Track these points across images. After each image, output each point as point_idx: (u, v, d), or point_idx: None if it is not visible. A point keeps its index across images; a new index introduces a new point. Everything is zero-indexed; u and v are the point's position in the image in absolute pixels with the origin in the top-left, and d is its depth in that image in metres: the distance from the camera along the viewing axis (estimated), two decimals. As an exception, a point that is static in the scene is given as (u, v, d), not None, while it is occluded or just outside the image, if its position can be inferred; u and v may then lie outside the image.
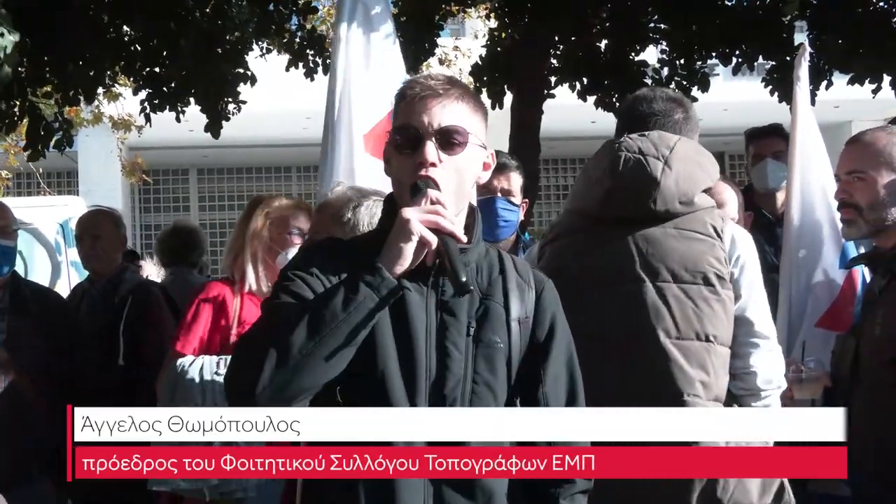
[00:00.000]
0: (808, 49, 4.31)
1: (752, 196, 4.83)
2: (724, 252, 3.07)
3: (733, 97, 14.58)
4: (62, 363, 4.37)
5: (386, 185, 2.51)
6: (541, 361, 2.45)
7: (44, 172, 16.24)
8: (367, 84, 4.32)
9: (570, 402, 2.49)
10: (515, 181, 4.28)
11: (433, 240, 2.21)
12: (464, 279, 2.19)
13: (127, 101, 11.69)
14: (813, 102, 7.06)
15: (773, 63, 7.72)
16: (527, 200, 4.42)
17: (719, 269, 3.05)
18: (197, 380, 3.87)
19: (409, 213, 2.21)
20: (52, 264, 10.81)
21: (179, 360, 3.91)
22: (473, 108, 2.40)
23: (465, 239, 2.29)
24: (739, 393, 3.10)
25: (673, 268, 3.05)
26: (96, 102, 12.00)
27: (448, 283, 2.30)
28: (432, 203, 2.23)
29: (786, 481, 3.11)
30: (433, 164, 2.29)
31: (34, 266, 10.49)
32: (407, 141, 2.32)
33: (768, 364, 3.09)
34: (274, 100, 14.11)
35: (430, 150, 2.30)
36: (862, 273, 4.02)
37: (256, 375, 2.12)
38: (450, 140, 2.32)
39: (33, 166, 12.89)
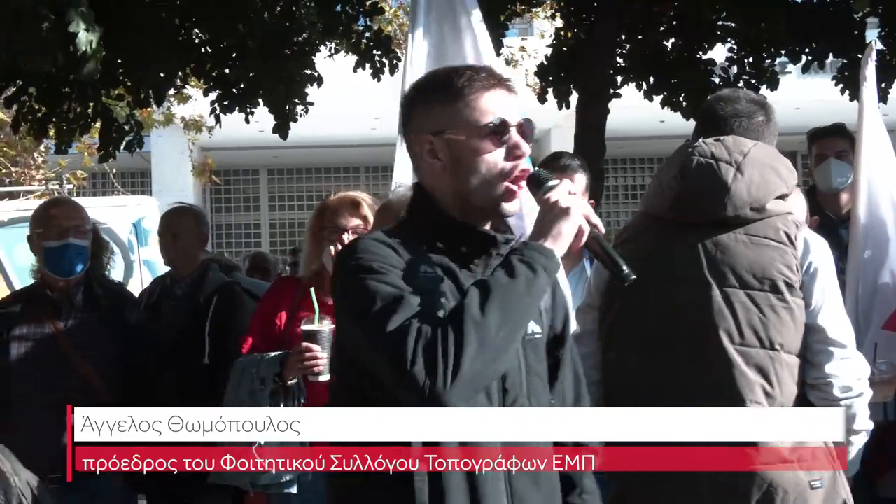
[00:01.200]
0: (875, 48, 4.24)
1: (815, 196, 4.79)
2: (797, 259, 3.03)
3: (806, 96, 14.37)
4: (133, 360, 4.44)
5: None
6: (558, 350, 2.52)
7: (118, 173, 16.56)
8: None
9: (578, 386, 2.59)
10: (580, 181, 4.24)
11: (587, 228, 2.24)
12: (626, 269, 2.25)
13: (197, 103, 11.86)
14: (885, 100, 6.98)
15: (844, 61, 7.60)
16: (593, 201, 4.38)
17: (789, 277, 3.01)
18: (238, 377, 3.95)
19: (566, 199, 2.23)
20: (125, 263, 11.02)
21: (238, 360, 4.00)
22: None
23: (603, 230, 2.32)
24: (819, 404, 3.03)
25: (741, 273, 3.03)
26: (167, 104, 12.21)
27: (487, 272, 2.30)
28: (570, 193, 2.26)
29: (849, 499, 3.05)
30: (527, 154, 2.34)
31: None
32: (495, 131, 2.31)
33: (845, 371, 3.01)
34: (343, 100, 14.23)
35: (523, 141, 2.34)
36: None
37: (458, 359, 2.07)
38: (527, 133, 2.36)
39: (107, 166, 13.16)
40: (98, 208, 11.50)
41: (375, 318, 2.15)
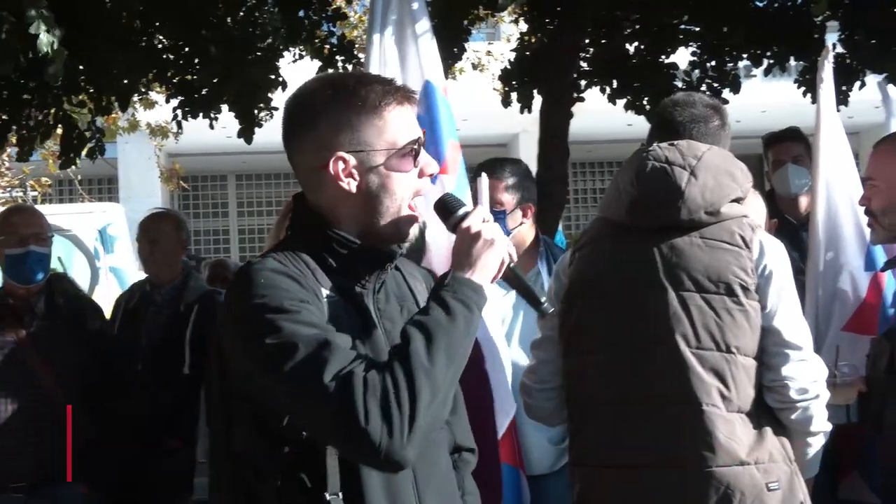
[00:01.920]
0: (831, 52, 4.27)
1: (774, 200, 4.82)
2: (752, 262, 3.04)
3: (772, 99, 14.47)
4: (96, 368, 4.42)
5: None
6: None
7: (84, 179, 16.44)
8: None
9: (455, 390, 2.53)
10: (499, 186, 4.16)
11: (507, 259, 2.20)
12: (544, 302, 2.25)
13: (163, 109, 11.80)
14: (846, 103, 7.03)
15: (806, 64, 7.65)
16: (530, 204, 4.33)
17: (744, 280, 3.02)
18: None
19: (489, 230, 2.16)
20: (90, 270, 10.97)
21: None
22: None
23: (516, 258, 2.28)
24: (776, 406, 3.05)
25: (696, 277, 3.03)
26: (132, 110, 12.14)
27: (383, 293, 2.27)
28: (485, 220, 2.20)
29: (806, 499, 3.06)
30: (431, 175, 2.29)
31: (73, 272, 10.62)
32: (414, 152, 2.26)
33: (801, 373, 3.02)
34: (310, 105, 14.16)
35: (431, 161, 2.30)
36: (889, 276, 3.99)
37: (414, 411, 1.95)
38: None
39: (72, 173, 13.07)
40: (63, 215, 11.47)
41: (304, 370, 1.98)
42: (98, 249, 11.12)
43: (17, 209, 5.23)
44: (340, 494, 2.12)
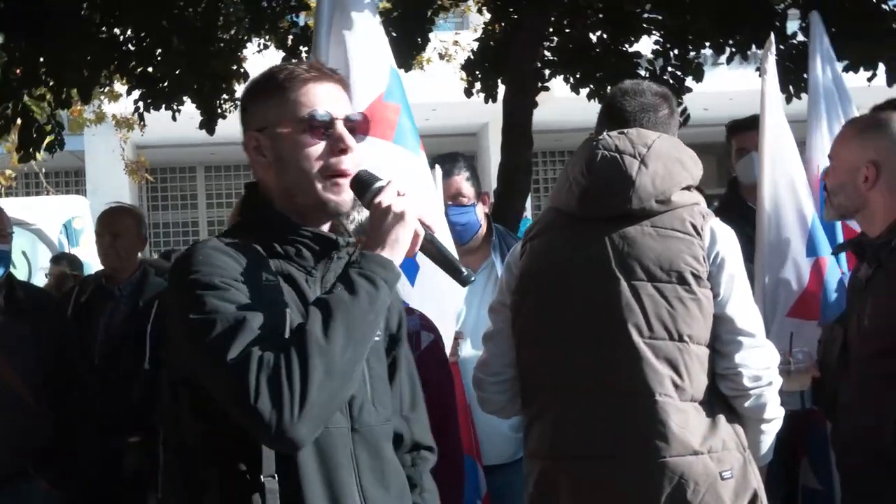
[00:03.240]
0: (773, 44, 4.31)
1: (737, 188, 4.84)
2: (703, 250, 3.04)
3: (738, 87, 14.51)
4: (57, 363, 4.40)
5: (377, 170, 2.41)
6: (397, 347, 2.51)
7: (50, 172, 16.32)
8: (355, 66, 4.22)
9: (414, 385, 2.57)
10: (462, 183, 4.23)
11: (421, 231, 2.20)
12: (464, 271, 2.22)
13: (128, 100, 11.72)
14: (805, 90, 7.06)
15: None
16: (487, 193, 4.37)
17: (695, 268, 3.02)
18: None
19: (401, 203, 2.17)
20: (55, 264, 10.86)
21: None
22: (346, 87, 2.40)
23: (437, 230, 2.29)
24: (730, 394, 3.05)
25: (648, 266, 3.03)
26: (98, 102, 12.04)
27: (330, 282, 2.24)
28: (399, 194, 2.20)
29: (760, 488, 3.07)
30: (352, 150, 2.28)
31: (38, 265, 10.57)
32: (316, 125, 2.26)
33: (754, 360, 3.03)
34: (278, 96, 14.11)
35: (349, 135, 2.28)
36: (830, 261, 4.03)
37: (305, 389, 1.98)
38: (357, 127, 2.32)
39: (36, 166, 12.95)
40: (28, 208, 11.39)
41: (215, 345, 2.03)
42: (63, 242, 11.06)
43: None
44: (276, 476, 2.13)
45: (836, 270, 4.06)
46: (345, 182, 2.27)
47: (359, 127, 2.32)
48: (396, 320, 2.51)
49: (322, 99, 2.28)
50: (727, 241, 3.09)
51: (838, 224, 4.16)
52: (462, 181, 4.24)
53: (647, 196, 3.06)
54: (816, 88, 4.59)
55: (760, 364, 3.04)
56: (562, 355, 3.12)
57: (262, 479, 2.12)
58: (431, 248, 2.24)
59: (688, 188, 3.15)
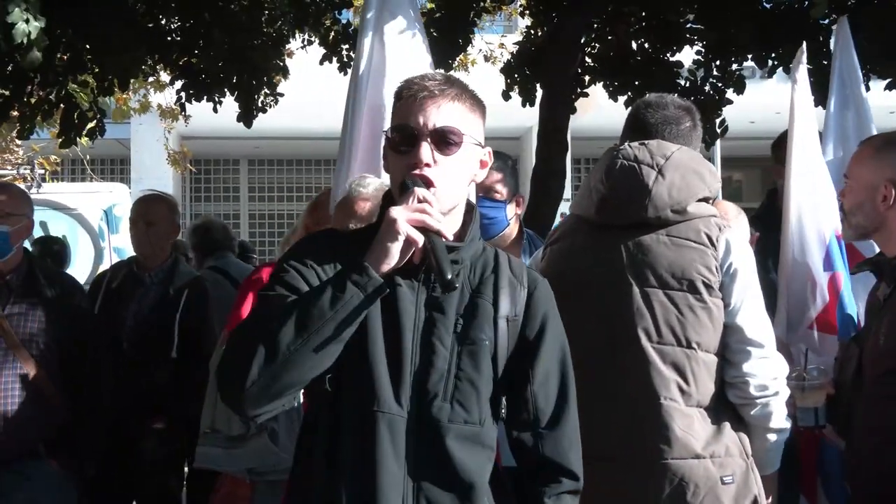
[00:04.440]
0: (805, 53, 4.26)
1: (775, 199, 4.83)
2: (717, 260, 3.09)
3: (786, 100, 14.38)
4: (73, 347, 4.45)
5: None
6: (530, 360, 2.47)
7: (95, 159, 16.49)
8: (394, 78, 4.26)
9: (560, 401, 2.51)
10: (495, 177, 4.26)
11: (419, 238, 2.26)
12: (449, 277, 2.24)
13: (173, 90, 11.84)
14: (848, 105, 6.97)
15: (810, 66, 7.59)
16: (522, 196, 4.41)
17: (707, 278, 3.07)
18: None
19: (395, 212, 2.26)
20: (94, 250, 11.02)
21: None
22: (471, 106, 2.45)
23: (450, 237, 2.34)
24: (736, 402, 3.11)
25: (661, 274, 3.09)
26: (143, 91, 12.16)
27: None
28: (419, 201, 2.28)
29: (760, 494, 3.11)
30: (427, 165, 2.35)
31: (77, 251, 10.69)
32: (403, 140, 2.39)
33: (762, 370, 3.08)
34: (324, 91, 14.20)
35: (426, 150, 2.37)
36: (846, 277, 4.00)
37: (245, 370, 2.21)
38: (445, 140, 2.38)
39: (81, 153, 13.11)
40: (69, 194, 11.55)
41: (245, 319, 2.40)
42: (103, 229, 11.17)
43: None
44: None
45: (849, 286, 4.04)
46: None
47: (448, 141, 2.42)
48: (535, 331, 2.50)
49: (412, 113, 2.42)
50: (742, 253, 3.15)
51: None
52: (497, 177, 4.28)
53: (663, 205, 3.12)
54: (833, 105, 4.55)
55: (768, 374, 3.09)
56: (576, 358, 3.14)
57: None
58: (429, 254, 2.28)
59: (705, 199, 3.20)
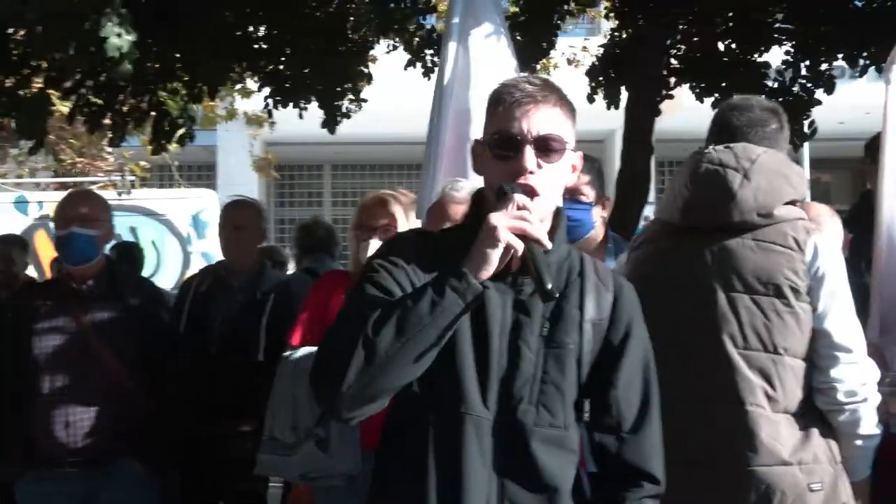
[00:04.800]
0: None
1: (869, 200, 4.73)
2: (804, 264, 3.05)
3: (876, 100, 14.10)
4: (154, 348, 4.53)
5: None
6: (614, 364, 2.46)
7: (183, 166, 16.78)
8: (480, 82, 4.26)
9: (643, 408, 2.50)
10: (583, 179, 4.23)
11: (520, 246, 2.25)
12: (549, 287, 2.23)
13: (259, 98, 12.00)
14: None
15: (903, 66, 7.43)
16: (608, 198, 4.36)
17: (795, 282, 3.03)
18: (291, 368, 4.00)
19: (496, 218, 2.24)
20: (182, 255, 11.23)
21: (287, 352, 4.04)
22: (568, 112, 2.44)
23: (549, 245, 2.31)
24: (825, 408, 3.07)
25: (746, 278, 3.06)
26: (230, 99, 12.35)
27: (526, 282, 2.35)
28: (519, 208, 2.26)
29: (849, 501, 3.06)
30: (531, 172, 2.34)
31: (166, 256, 10.93)
32: (506, 146, 2.36)
33: (850, 376, 3.03)
34: (408, 97, 14.30)
35: (530, 156, 2.35)
36: None
37: (342, 373, 2.19)
38: (549, 147, 2.37)
39: (170, 159, 13.36)
40: (158, 200, 11.79)
41: (338, 319, 2.34)
42: (191, 234, 11.38)
43: (71, 193, 5.30)
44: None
45: None
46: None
47: (551, 149, 2.39)
48: (620, 335, 2.49)
49: (515, 119, 2.38)
50: (830, 256, 3.09)
51: None
52: (584, 179, 4.25)
53: (749, 209, 3.08)
54: None
55: (857, 380, 3.04)
56: (658, 363, 3.12)
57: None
58: (529, 262, 2.27)
59: (793, 203, 3.16)
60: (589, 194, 4.25)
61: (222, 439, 5.19)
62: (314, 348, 4.00)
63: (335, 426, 3.82)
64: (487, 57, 4.27)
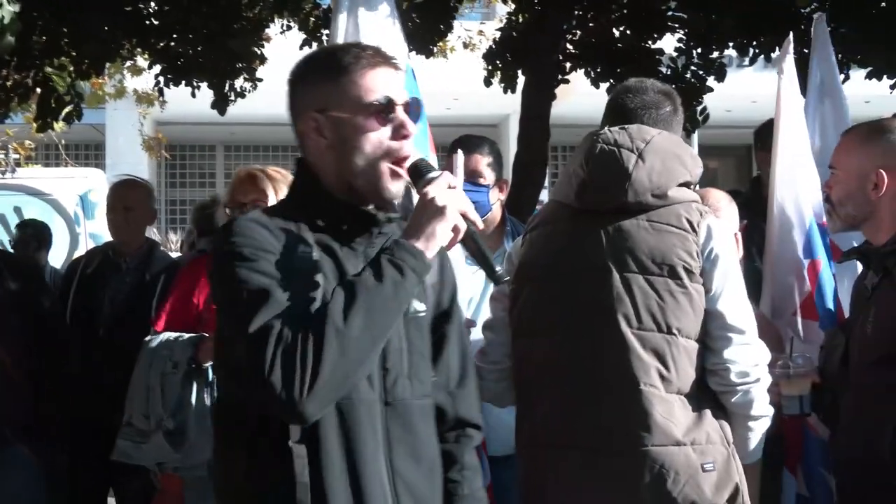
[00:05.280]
0: (792, 42, 4.26)
1: (759, 186, 4.83)
2: (697, 246, 3.05)
3: (762, 90, 14.42)
4: (38, 333, 4.42)
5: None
6: (444, 325, 2.52)
7: (70, 144, 16.34)
8: None
9: (464, 362, 2.59)
10: (482, 161, 4.23)
11: (464, 227, 2.22)
12: (499, 270, 2.24)
13: (150, 76, 11.74)
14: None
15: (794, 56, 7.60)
16: (506, 181, 4.37)
17: (688, 263, 3.03)
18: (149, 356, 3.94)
19: (442, 196, 2.20)
20: (70, 236, 10.94)
21: (149, 337, 3.96)
22: None
23: (482, 226, 2.31)
24: (717, 389, 3.08)
25: (641, 259, 3.05)
26: (119, 76, 12.05)
27: (369, 251, 2.32)
28: (449, 187, 2.23)
29: (741, 482, 3.08)
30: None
31: (53, 237, 10.57)
32: (380, 110, 2.30)
33: (743, 357, 3.05)
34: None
35: (408, 119, 2.33)
36: (825, 263, 4.01)
37: (315, 369, 2.05)
38: (415, 111, 2.36)
39: (56, 138, 12.99)
40: (44, 179, 11.46)
41: (239, 314, 2.11)
42: (79, 215, 11.09)
43: None
44: (304, 445, 2.20)
45: (829, 273, 4.04)
46: (404, 172, 2.32)
47: (416, 111, 2.37)
48: (448, 296, 2.55)
49: (384, 84, 2.32)
50: (723, 238, 3.11)
51: None
52: (482, 162, 4.25)
53: (643, 190, 3.08)
54: (812, 96, 4.55)
55: (749, 361, 3.06)
56: (555, 345, 3.14)
57: (290, 445, 2.20)
58: (472, 244, 2.26)
59: (686, 184, 3.16)
60: (488, 176, 4.25)
61: (111, 427, 5.08)
62: (173, 334, 3.98)
63: (193, 414, 3.78)
64: (377, 39, 4.24)
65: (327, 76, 2.33)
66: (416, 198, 2.55)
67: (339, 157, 2.32)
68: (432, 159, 4.06)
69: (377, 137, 2.29)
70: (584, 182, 3.16)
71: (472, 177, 4.18)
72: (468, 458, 2.59)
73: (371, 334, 2.11)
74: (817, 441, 3.92)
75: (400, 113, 2.31)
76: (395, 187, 2.32)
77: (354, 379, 2.17)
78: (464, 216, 2.22)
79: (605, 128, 3.22)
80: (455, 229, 2.21)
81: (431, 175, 2.26)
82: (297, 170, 2.45)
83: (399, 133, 2.31)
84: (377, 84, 2.30)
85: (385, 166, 2.30)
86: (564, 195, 3.27)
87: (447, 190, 2.22)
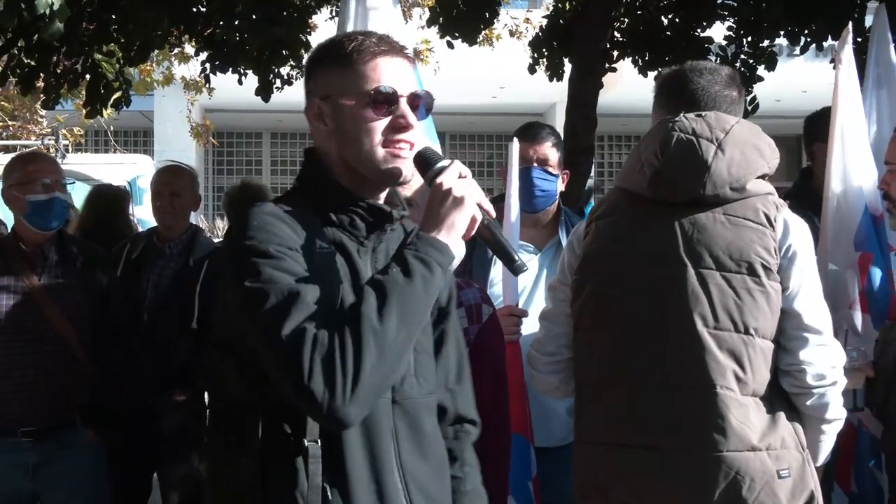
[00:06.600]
0: (850, 33, 4.15)
1: (810, 178, 4.75)
2: (775, 242, 2.94)
3: (812, 79, 14.25)
4: (103, 317, 4.49)
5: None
6: (444, 323, 2.49)
7: (119, 131, 16.50)
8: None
9: (460, 358, 2.56)
10: (551, 151, 4.17)
11: (479, 216, 2.18)
12: (518, 260, 2.19)
13: (197, 63, 11.81)
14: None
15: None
16: (567, 172, 4.32)
17: (766, 259, 2.92)
18: None
19: (460, 187, 2.15)
20: (119, 221, 10.97)
21: None
22: None
23: (494, 216, 2.26)
24: (792, 391, 2.96)
25: (717, 255, 2.93)
26: (167, 63, 12.12)
27: (382, 253, 2.29)
28: (461, 177, 2.19)
29: (817, 489, 2.97)
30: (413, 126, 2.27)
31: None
32: (380, 99, 2.25)
33: (820, 358, 2.92)
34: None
35: (410, 111, 2.28)
36: (878, 258, 3.94)
37: (356, 372, 1.99)
38: (418, 104, 2.31)
39: (105, 125, 13.10)
40: (94, 165, 11.54)
41: (269, 318, 2.04)
42: (127, 200, 11.14)
43: (34, 156, 5.23)
44: (319, 442, 2.15)
45: (877, 267, 3.96)
46: (407, 153, 2.26)
47: (422, 103, 2.30)
48: (447, 294, 2.50)
49: (389, 74, 2.26)
50: (800, 233, 2.99)
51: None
52: (550, 147, 4.19)
53: (722, 183, 2.95)
54: (869, 85, 4.47)
55: (826, 363, 2.93)
56: (621, 341, 3.04)
57: (306, 443, 2.15)
58: (488, 233, 2.22)
59: (763, 176, 3.04)
60: (555, 164, 4.20)
61: (156, 410, 5.12)
62: None
63: None
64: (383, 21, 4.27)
65: (332, 64, 2.29)
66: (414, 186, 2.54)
67: (339, 144, 2.28)
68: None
69: (375, 126, 2.24)
70: (658, 172, 3.02)
71: (542, 164, 4.14)
72: (468, 455, 2.57)
73: (407, 333, 2.06)
74: (869, 437, 3.84)
75: (402, 104, 2.26)
76: (393, 167, 2.25)
77: (392, 379, 2.14)
78: (479, 206, 2.18)
79: (681, 115, 3.06)
80: (473, 219, 2.17)
81: (442, 164, 2.21)
82: (305, 158, 2.42)
83: (398, 124, 2.25)
84: (379, 73, 2.25)
85: (383, 153, 2.24)
86: (633, 183, 3.14)
87: (461, 179, 2.17)
